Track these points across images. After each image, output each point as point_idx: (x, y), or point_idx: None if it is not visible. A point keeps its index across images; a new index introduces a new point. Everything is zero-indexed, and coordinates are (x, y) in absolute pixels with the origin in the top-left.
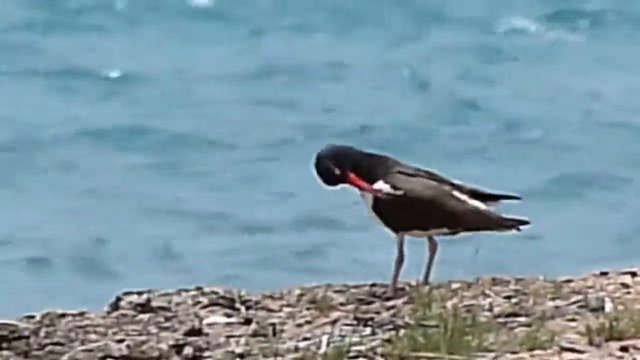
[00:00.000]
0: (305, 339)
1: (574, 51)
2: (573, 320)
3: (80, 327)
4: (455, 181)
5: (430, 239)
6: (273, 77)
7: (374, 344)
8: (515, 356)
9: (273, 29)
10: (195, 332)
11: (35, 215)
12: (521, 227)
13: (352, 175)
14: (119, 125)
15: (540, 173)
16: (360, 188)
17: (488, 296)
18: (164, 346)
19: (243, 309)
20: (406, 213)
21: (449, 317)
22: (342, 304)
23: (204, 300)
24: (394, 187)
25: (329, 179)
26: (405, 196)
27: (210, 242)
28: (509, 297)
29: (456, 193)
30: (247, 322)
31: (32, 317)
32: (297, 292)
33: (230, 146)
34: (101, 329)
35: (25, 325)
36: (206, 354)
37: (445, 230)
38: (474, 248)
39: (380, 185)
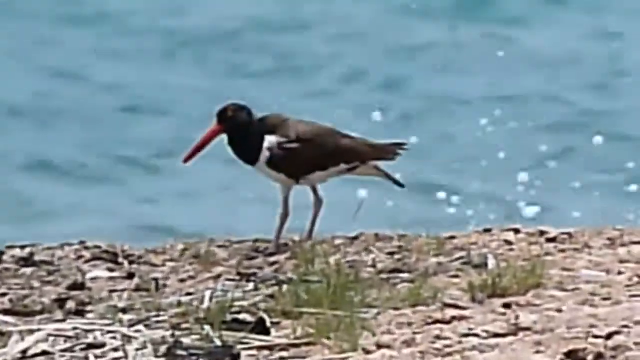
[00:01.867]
0: (189, 294)
1: None
2: (456, 277)
3: None
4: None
5: (316, 194)
6: None
7: (257, 299)
8: (398, 312)
9: None
10: (78, 286)
11: None
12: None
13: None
14: None
15: None
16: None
17: (371, 252)
18: (46, 300)
19: (126, 263)
20: (304, 158)
21: (332, 273)
22: (225, 260)
23: (87, 254)
24: (285, 136)
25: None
26: (299, 141)
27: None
28: (392, 254)
29: (339, 131)
30: (130, 276)
31: None
32: (180, 247)
33: None
34: None
35: None
36: (89, 308)
37: (343, 166)
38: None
39: (270, 139)
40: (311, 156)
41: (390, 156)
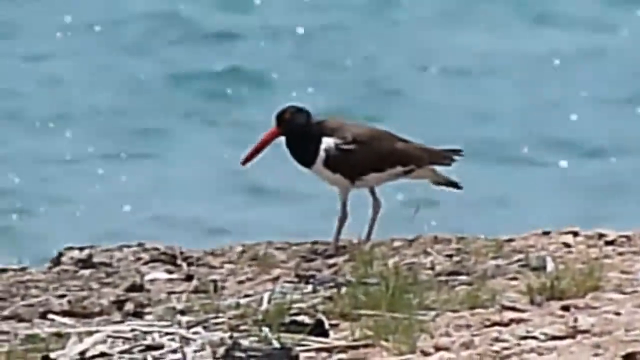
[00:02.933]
0: (247, 295)
1: None
2: (514, 279)
3: (21, 282)
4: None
5: (374, 197)
6: None
7: (315, 301)
8: (456, 315)
9: None
10: (137, 288)
11: None
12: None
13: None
14: None
15: None
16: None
17: (429, 254)
18: (105, 302)
19: (184, 265)
20: (360, 159)
21: (390, 275)
22: (283, 261)
23: (146, 256)
24: (342, 138)
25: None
26: (356, 142)
27: None
28: (450, 256)
29: (396, 135)
30: (189, 278)
31: None
32: (239, 249)
33: None
34: (42, 284)
35: None
36: (147, 309)
37: (399, 169)
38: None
39: (328, 140)
40: (367, 157)
41: (446, 161)
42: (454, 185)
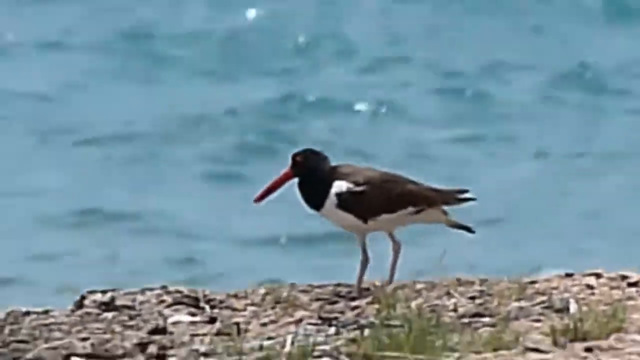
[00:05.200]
0: (270, 338)
1: None
2: (537, 320)
3: (44, 325)
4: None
5: (393, 239)
6: None
7: (338, 343)
8: (479, 356)
9: None
10: (160, 330)
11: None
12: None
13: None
14: None
15: None
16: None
17: (452, 297)
18: (128, 344)
19: (207, 307)
20: (371, 200)
21: (414, 317)
22: (306, 304)
23: (168, 299)
24: (353, 182)
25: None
26: (367, 184)
27: None
28: (473, 298)
29: (407, 177)
30: (212, 321)
31: None
32: (262, 291)
33: None
34: (65, 327)
35: None
36: (170, 352)
37: (410, 209)
38: (439, 251)
39: (340, 184)
40: (378, 198)
41: (456, 202)
42: (467, 229)
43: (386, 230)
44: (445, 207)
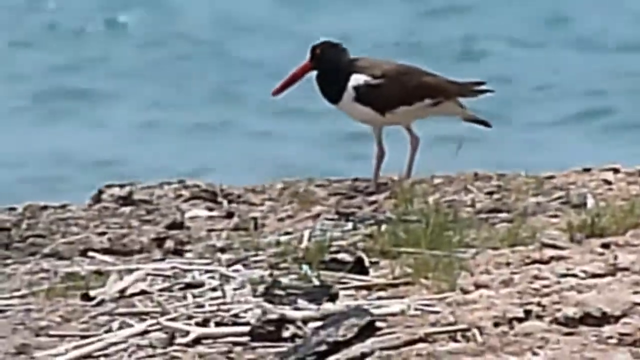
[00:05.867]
0: (287, 233)
1: None
2: (555, 216)
3: (61, 219)
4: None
5: (411, 133)
6: None
7: (355, 239)
8: (496, 252)
9: None
10: (177, 225)
11: None
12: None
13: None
14: None
15: None
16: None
17: (470, 192)
18: (145, 239)
19: (225, 202)
20: (389, 92)
21: (431, 213)
22: (324, 199)
23: (186, 193)
24: (371, 75)
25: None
26: (384, 77)
27: None
28: (490, 193)
29: (424, 70)
30: (229, 215)
31: (14, 209)
32: (279, 186)
33: None
34: (83, 222)
35: (6, 217)
36: (187, 247)
37: (427, 101)
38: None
39: (357, 77)
40: (396, 90)
41: (473, 93)
42: (484, 123)
43: (404, 124)
44: (462, 100)
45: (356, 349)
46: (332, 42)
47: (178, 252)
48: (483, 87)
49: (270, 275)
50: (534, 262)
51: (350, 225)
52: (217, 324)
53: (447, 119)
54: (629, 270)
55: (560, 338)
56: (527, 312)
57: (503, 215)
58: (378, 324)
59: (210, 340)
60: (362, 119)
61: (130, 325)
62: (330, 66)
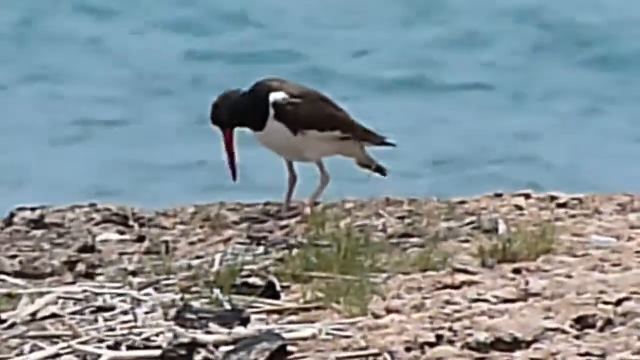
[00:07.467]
0: (199, 257)
1: None
2: (466, 241)
3: None
4: None
5: (322, 170)
6: None
7: (267, 263)
8: (407, 277)
9: None
10: (89, 248)
11: None
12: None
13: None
14: None
15: None
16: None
17: (382, 216)
18: (57, 263)
19: (136, 226)
20: (306, 111)
21: (342, 237)
22: (235, 223)
23: (98, 217)
24: (290, 94)
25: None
26: (302, 97)
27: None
28: (402, 218)
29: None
30: (141, 239)
31: None
32: (191, 210)
33: None
34: None
35: None
36: (99, 270)
37: (338, 134)
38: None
39: (276, 95)
40: (312, 112)
41: (378, 140)
42: (381, 171)
43: (310, 155)
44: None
45: None
46: (221, 95)
47: (89, 276)
48: (388, 140)
49: (182, 299)
50: (446, 287)
51: (261, 249)
52: (129, 348)
53: None
54: (541, 296)
55: None
56: (439, 337)
57: (415, 240)
58: (290, 348)
59: None
60: (275, 141)
61: (42, 349)
62: (241, 102)
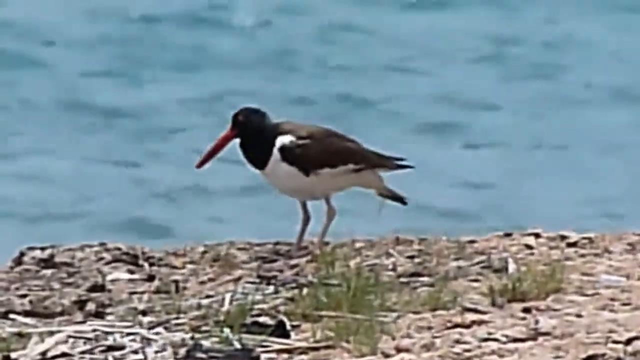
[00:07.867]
0: (208, 296)
1: None
2: (476, 280)
3: None
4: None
5: (329, 204)
6: None
7: (277, 302)
8: (417, 316)
9: None
10: (98, 288)
11: None
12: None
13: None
14: None
15: None
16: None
17: (391, 256)
18: (66, 302)
19: (146, 265)
20: (315, 152)
21: (352, 276)
22: (245, 262)
23: (107, 256)
24: (296, 136)
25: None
26: (311, 138)
27: None
28: (412, 257)
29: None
30: (150, 278)
31: None
32: (201, 249)
33: None
34: (4, 284)
35: None
36: (109, 310)
37: (350, 166)
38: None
39: (283, 138)
40: (321, 150)
41: (393, 166)
42: (400, 200)
43: (324, 193)
44: (382, 174)
45: None
46: (253, 107)
47: (99, 315)
48: (404, 163)
49: (192, 338)
50: (456, 326)
51: (271, 288)
52: None
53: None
54: (550, 335)
55: None
56: None
57: (424, 279)
58: None
59: None
60: (286, 184)
61: None
62: (253, 132)
